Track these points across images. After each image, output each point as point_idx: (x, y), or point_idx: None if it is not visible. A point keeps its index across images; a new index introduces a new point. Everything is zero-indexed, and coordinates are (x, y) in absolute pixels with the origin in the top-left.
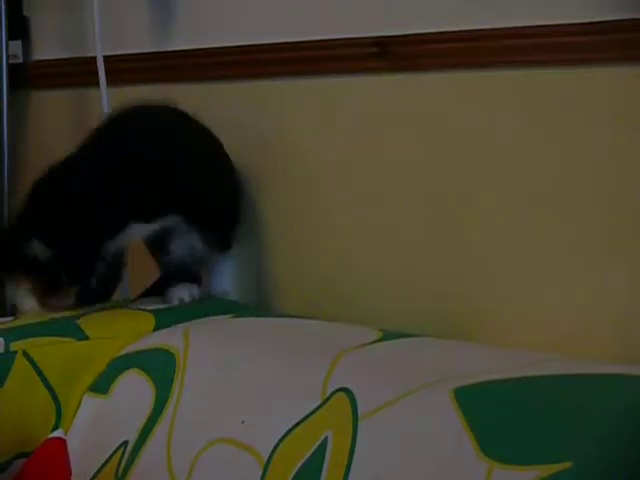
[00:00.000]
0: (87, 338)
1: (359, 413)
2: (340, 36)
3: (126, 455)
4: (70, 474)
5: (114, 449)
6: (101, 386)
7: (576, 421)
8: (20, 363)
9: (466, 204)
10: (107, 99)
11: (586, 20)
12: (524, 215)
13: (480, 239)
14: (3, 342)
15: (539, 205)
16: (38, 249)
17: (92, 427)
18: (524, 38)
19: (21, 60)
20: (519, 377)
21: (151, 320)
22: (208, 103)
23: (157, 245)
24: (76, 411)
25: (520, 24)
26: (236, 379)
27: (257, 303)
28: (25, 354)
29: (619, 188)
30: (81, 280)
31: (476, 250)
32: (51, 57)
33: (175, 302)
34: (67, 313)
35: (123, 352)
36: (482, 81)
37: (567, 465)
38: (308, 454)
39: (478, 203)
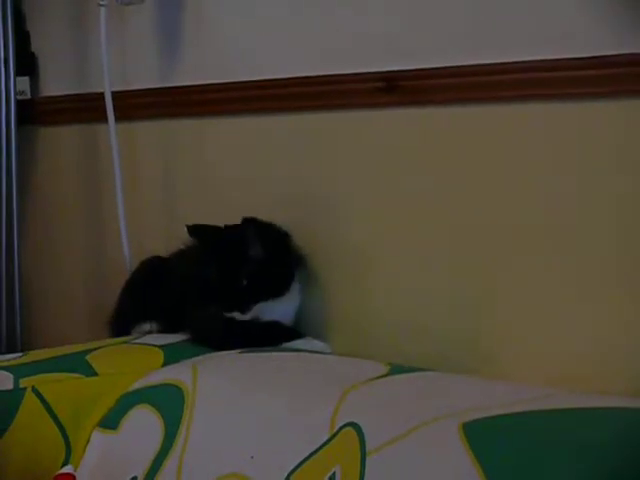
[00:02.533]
0: (96, 374)
1: (367, 448)
2: (347, 71)
3: None
4: None
5: None
6: (110, 422)
7: (582, 455)
8: (29, 399)
9: (473, 237)
10: (115, 134)
11: (591, 54)
12: (531, 249)
13: (486, 273)
14: (12, 378)
15: (548, 238)
16: None
17: (101, 462)
18: (533, 72)
19: (29, 96)
20: (526, 411)
21: (160, 355)
22: (215, 137)
23: None
24: (85, 447)
25: (528, 58)
26: (245, 414)
27: None
28: (34, 390)
29: (634, 221)
30: None
31: (481, 285)
32: (59, 93)
33: None
34: (76, 349)
35: (132, 388)
36: (490, 115)
37: None
38: None
39: (485, 236)
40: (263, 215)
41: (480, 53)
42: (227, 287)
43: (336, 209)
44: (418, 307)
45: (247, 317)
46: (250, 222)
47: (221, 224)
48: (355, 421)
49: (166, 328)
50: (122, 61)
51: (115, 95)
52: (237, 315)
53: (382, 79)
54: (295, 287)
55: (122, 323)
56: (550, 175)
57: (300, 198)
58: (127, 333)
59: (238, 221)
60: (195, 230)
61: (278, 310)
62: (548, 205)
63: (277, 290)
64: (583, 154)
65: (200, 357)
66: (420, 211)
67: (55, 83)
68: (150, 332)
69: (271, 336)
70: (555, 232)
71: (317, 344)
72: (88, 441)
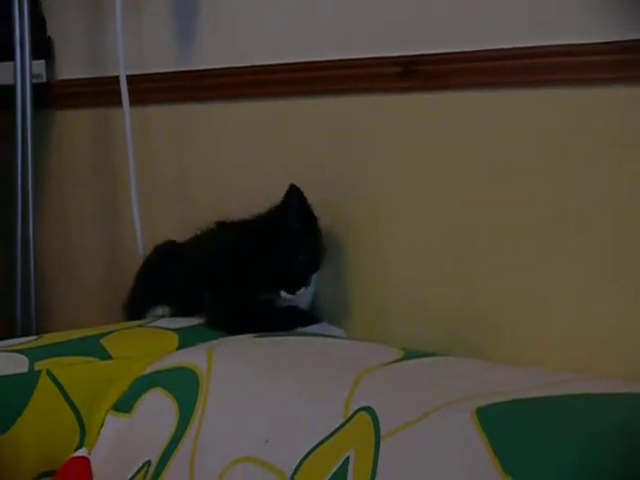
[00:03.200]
0: (111, 357)
1: (381, 432)
2: (365, 56)
3: (149, 474)
4: None
5: (137, 468)
6: (124, 405)
7: (595, 440)
8: (44, 383)
9: (486, 222)
10: (129, 118)
11: (608, 39)
12: (542, 234)
13: (503, 256)
14: (27, 362)
15: (558, 224)
16: None
17: (115, 446)
18: (551, 57)
19: (44, 80)
20: (540, 397)
21: (175, 339)
22: (231, 122)
23: None
24: (100, 430)
25: (546, 43)
26: (259, 398)
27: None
28: (49, 374)
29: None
30: None
31: (493, 268)
32: (74, 77)
33: None
34: (91, 332)
35: (147, 371)
36: (506, 99)
37: None
38: (330, 473)
39: (498, 221)
40: (278, 200)
41: (498, 38)
42: (281, 265)
43: (352, 193)
44: (434, 291)
45: (295, 297)
46: (292, 203)
47: (240, 213)
48: (369, 405)
49: (179, 312)
50: (137, 45)
51: (130, 79)
52: (284, 295)
53: (400, 64)
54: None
55: (136, 307)
56: (565, 159)
57: (316, 183)
58: (141, 317)
59: (253, 207)
60: (224, 225)
61: (301, 297)
62: (565, 188)
63: (309, 279)
64: (599, 139)
65: (215, 341)
66: (437, 194)
67: (71, 67)
68: (163, 316)
69: (287, 320)
70: (571, 215)
71: (333, 329)
72: (102, 424)
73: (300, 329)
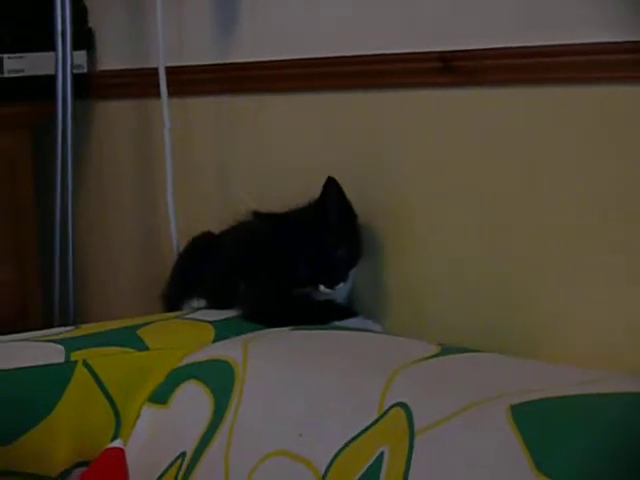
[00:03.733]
0: (147, 348)
1: (415, 428)
2: (404, 50)
3: (184, 466)
4: None
5: (172, 460)
6: (160, 396)
7: (632, 440)
8: (80, 373)
9: (525, 219)
10: (168, 110)
11: None
12: (581, 231)
13: (534, 254)
14: (64, 352)
15: (597, 219)
16: None
17: (151, 437)
18: (588, 55)
19: (85, 70)
20: (576, 395)
21: (211, 331)
22: (269, 115)
23: None
24: (135, 421)
25: (585, 41)
26: (294, 392)
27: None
28: (85, 364)
29: None
30: None
31: (533, 266)
32: (114, 68)
33: None
34: (128, 323)
35: (183, 363)
36: (547, 97)
37: None
38: (364, 468)
39: (537, 218)
40: (316, 194)
41: (537, 34)
42: (321, 260)
43: (390, 187)
44: (471, 286)
45: (333, 291)
46: (330, 197)
47: (279, 206)
48: (404, 401)
49: (214, 305)
50: (178, 37)
51: (169, 70)
52: (323, 289)
53: (439, 59)
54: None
55: (173, 298)
56: (603, 157)
57: (356, 177)
58: (178, 308)
59: (293, 198)
60: (261, 215)
61: (338, 291)
62: (600, 187)
63: (348, 274)
64: (637, 137)
65: (251, 334)
66: (474, 190)
67: (111, 58)
68: (199, 309)
69: (324, 314)
70: (611, 209)
71: (369, 323)
72: (138, 415)
73: (336, 323)
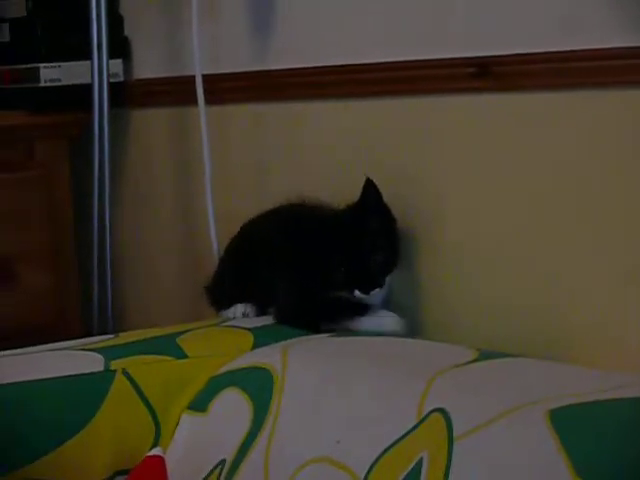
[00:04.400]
0: (186, 356)
1: (454, 434)
2: (440, 56)
3: (224, 473)
4: None
5: (212, 467)
6: (200, 404)
7: None
8: (119, 381)
9: (562, 223)
10: (205, 117)
11: None
12: (618, 235)
13: (577, 259)
14: (103, 360)
15: (632, 223)
16: None
17: (190, 445)
18: (626, 59)
19: (122, 79)
20: (615, 399)
21: (250, 338)
22: (305, 122)
23: None
24: (175, 429)
25: (622, 45)
26: (333, 398)
27: None
28: (125, 372)
29: None
30: None
31: (569, 270)
32: (151, 76)
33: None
34: (167, 331)
35: (222, 370)
36: (584, 100)
37: None
38: (404, 474)
39: (573, 222)
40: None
41: (574, 39)
42: (358, 264)
43: (425, 191)
44: (508, 290)
45: (368, 296)
46: (370, 202)
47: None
48: (443, 407)
49: (255, 304)
50: (214, 44)
51: (206, 78)
52: (358, 294)
53: (474, 64)
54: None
55: (219, 294)
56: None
57: (391, 181)
58: (221, 307)
59: (330, 203)
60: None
61: (373, 295)
62: (636, 192)
63: (393, 268)
64: None
65: (290, 340)
66: (512, 196)
67: (147, 66)
68: (244, 315)
69: (342, 311)
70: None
71: (387, 315)
72: (177, 423)
73: (359, 318)
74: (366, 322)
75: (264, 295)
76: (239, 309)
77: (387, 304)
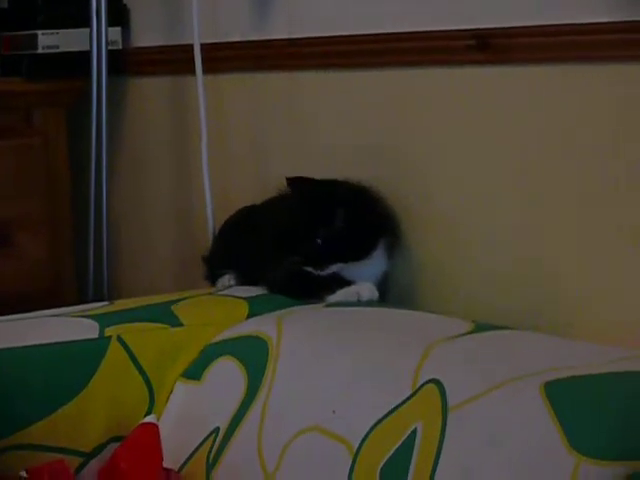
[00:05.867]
0: (181, 325)
1: (449, 405)
2: (438, 28)
3: (217, 441)
4: (162, 459)
5: (206, 435)
6: (194, 372)
7: None
8: (114, 348)
9: (562, 198)
10: (203, 87)
11: None
12: (620, 209)
13: (578, 234)
14: (98, 327)
15: (633, 199)
16: None
17: (184, 413)
18: (623, 33)
19: (120, 47)
20: (609, 372)
21: (245, 307)
22: (303, 92)
23: None
24: (169, 397)
25: (621, 19)
26: (328, 368)
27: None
28: (119, 339)
29: None
30: None
31: (566, 246)
32: (149, 44)
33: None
34: (162, 299)
35: (217, 339)
36: (582, 75)
37: None
38: (397, 445)
39: (573, 197)
40: (351, 171)
41: (572, 12)
42: (304, 243)
43: (424, 164)
44: (505, 262)
45: (324, 274)
46: (341, 185)
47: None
48: (437, 378)
49: (245, 280)
50: (213, 13)
51: (204, 47)
52: (313, 271)
53: (474, 37)
54: (379, 252)
55: (212, 266)
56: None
57: (391, 154)
58: (215, 277)
59: (327, 176)
60: (293, 182)
61: (360, 272)
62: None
63: (355, 255)
64: None
65: (285, 310)
66: (509, 169)
67: (146, 34)
68: (230, 286)
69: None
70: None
71: (362, 285)
72: (172, 391)
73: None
74: (341, 293)
75: (253, 268)
76: (225, 279)
77: (384, 279)
